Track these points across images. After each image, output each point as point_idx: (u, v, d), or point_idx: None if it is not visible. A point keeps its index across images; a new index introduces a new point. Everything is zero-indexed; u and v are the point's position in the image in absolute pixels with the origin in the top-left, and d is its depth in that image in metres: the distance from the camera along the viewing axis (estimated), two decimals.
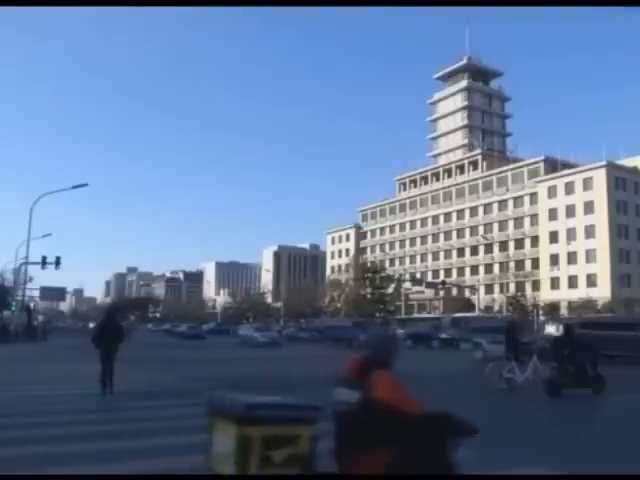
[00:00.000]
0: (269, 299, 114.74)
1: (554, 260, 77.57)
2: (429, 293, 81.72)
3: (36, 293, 60.17)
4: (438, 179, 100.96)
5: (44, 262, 42.17)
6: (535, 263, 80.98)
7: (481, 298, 69.41)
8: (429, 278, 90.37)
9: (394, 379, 2.99)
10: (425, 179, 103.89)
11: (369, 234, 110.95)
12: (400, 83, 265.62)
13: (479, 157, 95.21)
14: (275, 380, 15.92)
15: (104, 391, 12.47)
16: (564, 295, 73.24)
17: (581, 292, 69.94)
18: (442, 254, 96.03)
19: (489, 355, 21.19)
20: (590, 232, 73.92)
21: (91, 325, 69.75)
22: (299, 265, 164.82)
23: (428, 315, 72.57)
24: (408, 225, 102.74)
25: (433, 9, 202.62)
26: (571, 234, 75.92)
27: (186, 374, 17.12)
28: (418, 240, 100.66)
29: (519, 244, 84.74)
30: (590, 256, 73.69)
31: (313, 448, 2.59)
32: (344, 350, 35.06)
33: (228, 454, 2.49)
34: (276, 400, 2.93)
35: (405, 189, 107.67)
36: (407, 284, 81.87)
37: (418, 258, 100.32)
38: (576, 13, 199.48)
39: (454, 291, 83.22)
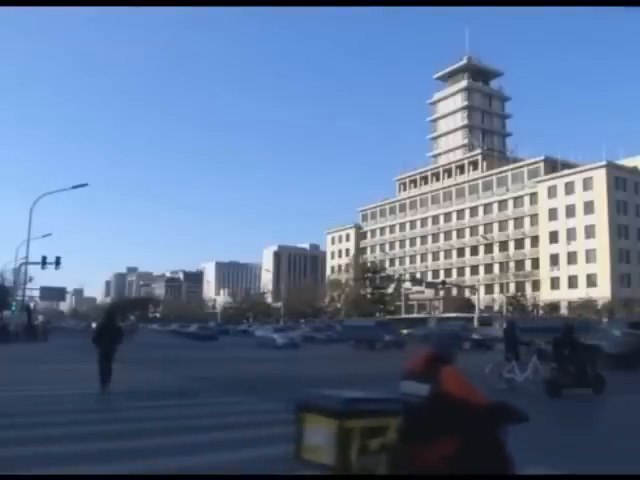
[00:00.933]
0: (269, 299, 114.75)
1: (554, 260, 77.56)
2: (429, 293, 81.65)
3: (36, 293, 60.19)
4: (438, 179, 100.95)
5: (44, 262, 42.17)
6: (535, 263, 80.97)
7: (481, 298, 69.32)
8: (429, 278, 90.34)
9: (460, 374, 3.21)
10: (425, 179, 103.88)
11: (369, 234, 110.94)
12: (400, 83, 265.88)
13: (479, 157, 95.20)
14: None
15: (103, 390, 12.50)
16: (564, 295, 73.23)
17: (581, 292, 69.93)
18: (442, 254, 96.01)
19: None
20: (590, 232, 73.90)
21: (94, 325, 69.39)
22: (299, 265, 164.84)
23: (428, 315, 72.51)
24: (408, 225, 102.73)
25: (433, 9, 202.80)
26: (571, 234, 75.91)
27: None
28: (418, 240, 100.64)
29: (519, 244, 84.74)
30: (590, 256, 73.68)
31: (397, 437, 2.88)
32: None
33: (325, 445, 2.78)
34: (368, 395, 3.19)
35: (405, 189, 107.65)
36: (407, 284, 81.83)
37: (418, 258, 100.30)
38: (576, 13, 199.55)
39: (454, 291, 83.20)
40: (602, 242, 72.44)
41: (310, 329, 54.16)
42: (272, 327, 46.99)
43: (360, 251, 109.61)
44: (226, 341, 49.25)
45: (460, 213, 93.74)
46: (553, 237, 78.11)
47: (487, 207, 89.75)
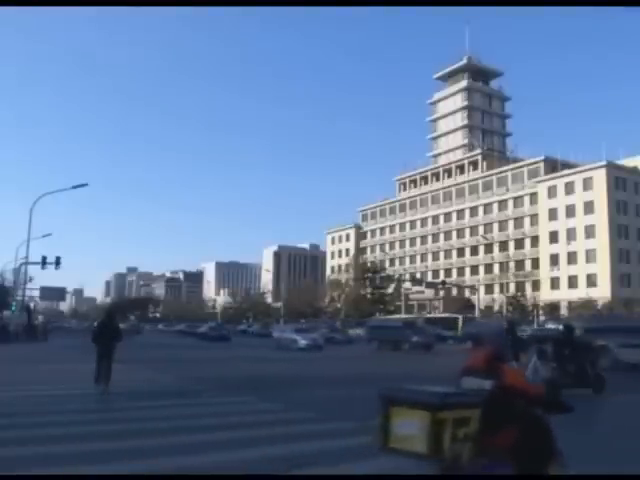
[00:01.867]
0: (269, 299, 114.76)
1: (554, 260, 77.57)
2: (429, 293, 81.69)
3: (36, 293, 60.18)
4: (438, 179, 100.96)
5: (44, 262, 42.15)
6: (535, 263, 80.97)
7: (481, 298, 69.36)
8: (429, 278, 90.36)
9: (518, 369, 3.80)
10: (425, 179, 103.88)
11: (369, 234, 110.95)
12: (400, 83, 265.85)
13: (479, 157, 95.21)
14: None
15: (97, 386, 12.66)
16: (564, 295, 73.24)
17: (581, 292, 69.93)
18: (442, 254, 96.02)
19: (620, 362, 17.52)
20: (590, 232, 73.90)
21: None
22: (299, 265, 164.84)
23: (429, 315, 72.51)
24: (408, 225, 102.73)
25: (433, 9, 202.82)
26: (571, 234, 75.91)
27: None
28: (418, 240, 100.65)
29: (519, 244, 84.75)
30: (590, 256, 73.68)
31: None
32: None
33: (416, 435, 3.11)
34: (457, 390, 3.49)
35: (405, 189, 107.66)
36: (407, 284, 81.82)
37: (418, 258, 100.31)
38: (576, 13, 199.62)
39: (454, 291, 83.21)
40: (602, 242, 72.43)
41: (327, 329, 51.63)
42: (292, 328, 42.94)
43: (360, 251, 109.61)
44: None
45: (460, 213, 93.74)
46: (553, 237, 78.11)
47: (487, 207, 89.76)
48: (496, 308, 76.78)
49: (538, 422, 3.45)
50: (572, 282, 74.73)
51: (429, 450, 3.09)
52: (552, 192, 78.69)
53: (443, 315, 63.42)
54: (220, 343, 44.12)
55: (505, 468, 3.19)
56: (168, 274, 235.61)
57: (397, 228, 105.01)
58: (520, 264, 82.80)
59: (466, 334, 38.37)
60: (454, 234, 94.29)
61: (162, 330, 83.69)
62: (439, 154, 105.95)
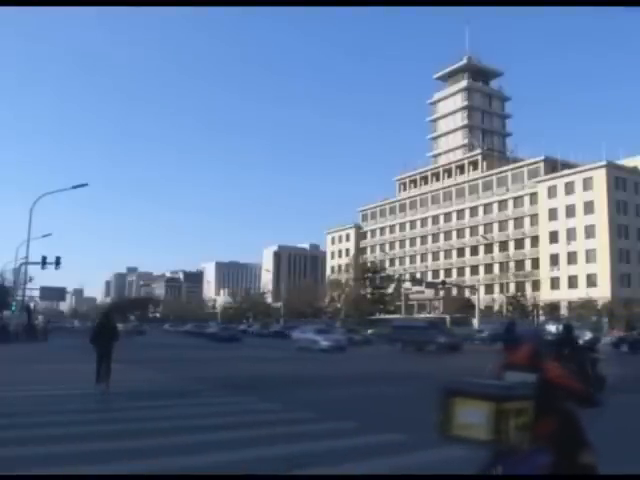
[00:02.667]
0: (269, 299, 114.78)
1: (554, 260, 77.55)
2: (429, 293, 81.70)
3: (36, 293, 60.18)
4: (438, 179, 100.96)
5: (44, 262, 42.14)
6: (535, 263, 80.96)
7: (481, 298, 69.33)
8: (429, 278, 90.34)
9: (559, 364, 4.01)
10: (425, 179, 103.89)
11: (369, 234, 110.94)
12: (400, 83, 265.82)
13: (479, 157, 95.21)
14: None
15: (98, 386, 12.76)
16: (564, 295, 73.23)
17: (581, 292, 69.90)
18: (442, 254, 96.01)
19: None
20: (590, 232, 73.89)
21: None
22: (299, 265, 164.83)
23: (429, 315, 72.56)
24: (408, 225, 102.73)
25: (433, 9, 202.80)
26: (571, 234, 75.90)
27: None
28: (418, 240, 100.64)
29: (519, 244, 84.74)
30: (590, 256, 73.66)
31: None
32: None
33: (479, 423, 3.39)
34: (516, 382, 3.77)
35: (405, 189, 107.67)
36: (407, 284, 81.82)
37: (418, 258, 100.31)
38: (576, 13, 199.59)
39: (454, 291, 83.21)
40: (602, 242, 72.42)
41: (344, 329, 50.46)
42: (314, 328, 40.00)
43: (360, 251, 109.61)
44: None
45: (460, 213, 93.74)
46: (553, 237, 78.10)
47: (487, 207, 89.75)
48: (496, 308, 76.79)
49: (572, 413, 3.82)
50: (572, 282, 74.72)
51: (492, 437, 3.38)
52: (552, 192, 78.69)
53: (430, 316, 64.20)
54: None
55: (545, 455, 3.54)
56: (168, 274, 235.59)
57: (397, 228, 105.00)
58: (520, 264, 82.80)
59: (494, 335, 37.89)
60: (454, 234, 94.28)
61: (167, 330, 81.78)
62: (439, 154, 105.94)
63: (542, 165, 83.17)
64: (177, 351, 31.84)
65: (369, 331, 54.05)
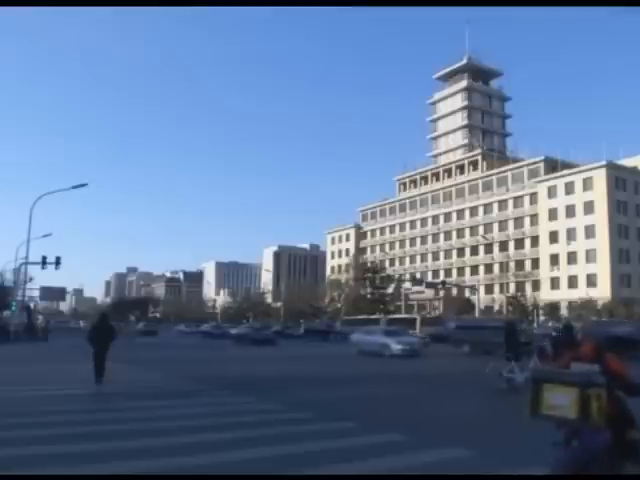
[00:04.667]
0: (269, 299, 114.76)
1: (554, 260, 77.57)
2: (429, 293, 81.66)
3: (36, 293, 60.21)
4: (438, 179, 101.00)
5: (44, 262, 42.13)
6: (535, 263, 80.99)
7: (481, 298, 69.34)
8: (429, 278, 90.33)
9: (617, 357, 4.49)
10: (425, 179, 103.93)
11: (369, 234, 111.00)
12: (400, 83, 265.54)
13: (479, 157, 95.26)
14: None
15: (98, 381, 13.41)
16: (564, 295, 73.23)
17: (581, 292, 69.89)
18: (442, 254, 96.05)
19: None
20: (590, 232, 73.91)
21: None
22: (299, 265, 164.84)
23: (429, 315, 72.59)
24: (408, 225, 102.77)
25: (433, 9, 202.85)
26: (571, 234, 75.93)
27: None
28: (418, 240, 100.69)
29: (519, 244, 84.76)
30: (590, 256, 73.68)
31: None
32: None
33: (566, 405, 4.08)
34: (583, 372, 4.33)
35: (405, 189, 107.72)
36: (407, 284, 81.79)
37: (418, 258, 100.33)
38: (576, 13, 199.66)
39: (454, 291, 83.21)
40: (602, 242, 72.44)
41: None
42: (381, 329, 33.94)
43: (360, 251, 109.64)
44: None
45: (460, 213, 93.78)
46: (553, 237, 78.12)
47: (487, 207, 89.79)
48: (496, 308, 76.81)
49: (623, 398, 4.43)
50: (572, 282, 74.73)
51: (577, 417, 4.03)
52: (552, 192, 78.72)
53: (403, 316, 65.02)
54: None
55: (607, 431, 4.16)
56: (168, 274, 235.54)
57: (397, 228, 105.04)
58: (520, 264, 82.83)
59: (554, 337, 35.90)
60: (454, 234, 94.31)
61: (183, 331, 74.70)
62: (439, 154, 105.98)
63: (542, 165, 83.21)
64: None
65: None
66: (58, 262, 42.66)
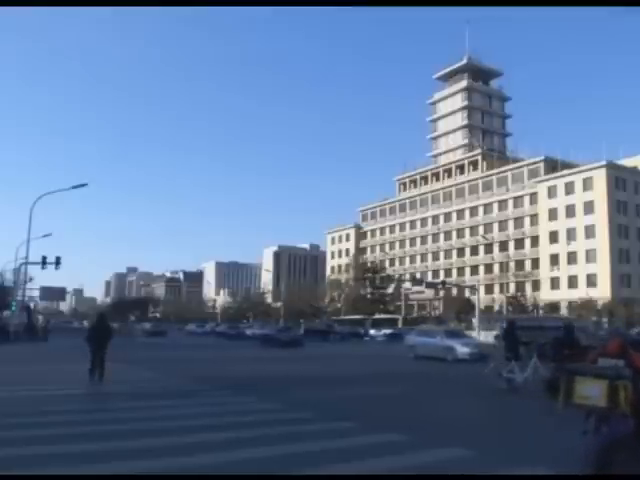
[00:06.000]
0: (269, 299, 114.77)
1: (554, 260, 77.58)
2: (429, 293, 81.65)
3: (36, 293, 60.19)
4: (438, 179, 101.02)
5: (44, 262, 42.11)
6: (535, 263, 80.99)
7: (481, 298, 69.30)
8: (429, 278, 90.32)
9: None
10: (425, 179, 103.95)
11: (369, 234, 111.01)
12: (400, 83, 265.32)
13: (479, 157, 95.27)
14: None
15: (92, 379, 13.82)
16: (564, 295, 73.25)
17: (581, 292, 69.91)
18: (442, 254, 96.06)
19: None
20: (590, 232, 73.92)
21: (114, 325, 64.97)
22: (299, 265, 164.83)
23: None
24: (408, 225, 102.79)
25: (433, 9, 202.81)
26: (571, 234, 75.93)
27: None
28: (418, 240, 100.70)
29: (519, 244, 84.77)
30: (590, 256, 73.69)
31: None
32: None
33: (597, 395, 4.56)
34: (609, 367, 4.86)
35: (405, 189, 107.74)
36: (407, 284, 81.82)
37: (418, 258, 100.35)
38: (576, 13, 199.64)
39: (454, 291, 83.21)
40: (602, 242, 72.45)
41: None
42: (441, 330, 30.70)
43: (360, 251, 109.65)
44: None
45: (460, 213, 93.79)
46: (553, 237, 78.13)
47: (487, 207, 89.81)
48: (496, 308, 76.79)
49: None
50: (572, 282, 74.74)
51: (607, 405, 4.52)
52: (552, 192, 78.73)
53: (352, 317, 69.03)
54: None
55: (631, 419, 4.58)
56: (168, 274, 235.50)
57: (397, 228, 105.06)
58: (520, 264, 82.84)
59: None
60: (454, 234, 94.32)
61: (194, 332, 70.09)
62: (439, 154, 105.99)
63: (542, 165, 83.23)
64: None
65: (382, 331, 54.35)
66: (58, 262, 42.65)
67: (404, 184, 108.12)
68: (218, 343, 43.48)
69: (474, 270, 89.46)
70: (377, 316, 69.04)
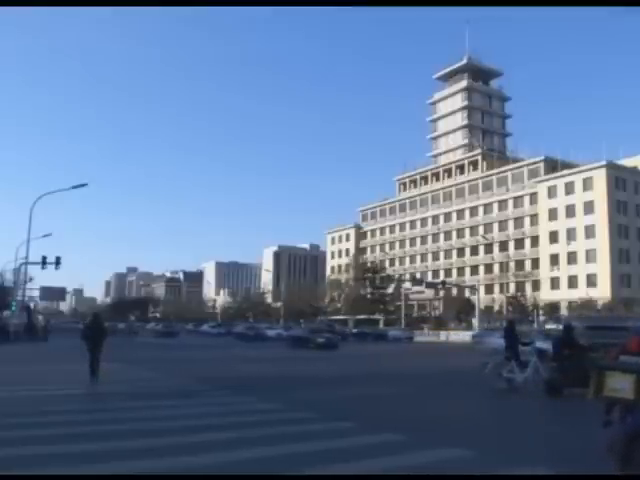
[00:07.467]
0: (269, 299, 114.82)
1: (554, 260, 77.60)
2: (429, 293, 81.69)
3: (36, 293, 60.20)
4: (438, 179, 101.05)
5: (44, 262, 42.15)
6: (535, 263, 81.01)
7: (481, 298, 69.36)
8: (429, 278, 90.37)
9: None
10: (425, 179, 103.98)
11: (369, 234, 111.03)
12: (400, 83, 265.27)
13: (479, 157, 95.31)
14: None
15: (92, 378, 13.89)
16: (564, 295, 73.26)
17: (581, 292, 69.94)
18: (442, 254, 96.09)
19: None
20: (590, 232, 73.94)
21: (121, 325, 65.84)
22: (299, 265, 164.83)
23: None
24: (408, 225, 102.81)
25: (433, 9, 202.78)
26: (571, 234, 75.95)
27: None
28: (418, 240, 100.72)
29: (519, 244, 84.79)
30: (590, 256, 73.71)
31: None
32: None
33: (625, 389, 4.83)
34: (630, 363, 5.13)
35: (405, 189, 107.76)
36: (407, 284, 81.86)
37: (418, 258, 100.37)
38: (576, 13, 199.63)
39: (454, 291, 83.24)
40: (602, 242, 72.47)
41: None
42: (537, 331, 27.78)
43: (360, 251, 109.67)
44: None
45: (460, 213, 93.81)
46: (553, 237, 78.15)
47: (487, 207, 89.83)
48: (496, 308, 76.82)
49: None
50: (572, 282, 74.75)
51: (635, 397, 4.77)
52: (552, 192, 78.75)
53: (340, 317, 71.65)
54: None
55: None
56: (168, 274, 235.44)
57: (397, 228, 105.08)
58: (520, 264, 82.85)
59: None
60: (454, 234, 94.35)
61: (208, 332, 66.16)
62: (439, 154, 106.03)
63: (542, 165, 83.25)
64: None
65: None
66: (58, 262, 42.69)
67: (404, 184, 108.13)
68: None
69: (474, 270, 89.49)
70: (359, 316, 69.73)
